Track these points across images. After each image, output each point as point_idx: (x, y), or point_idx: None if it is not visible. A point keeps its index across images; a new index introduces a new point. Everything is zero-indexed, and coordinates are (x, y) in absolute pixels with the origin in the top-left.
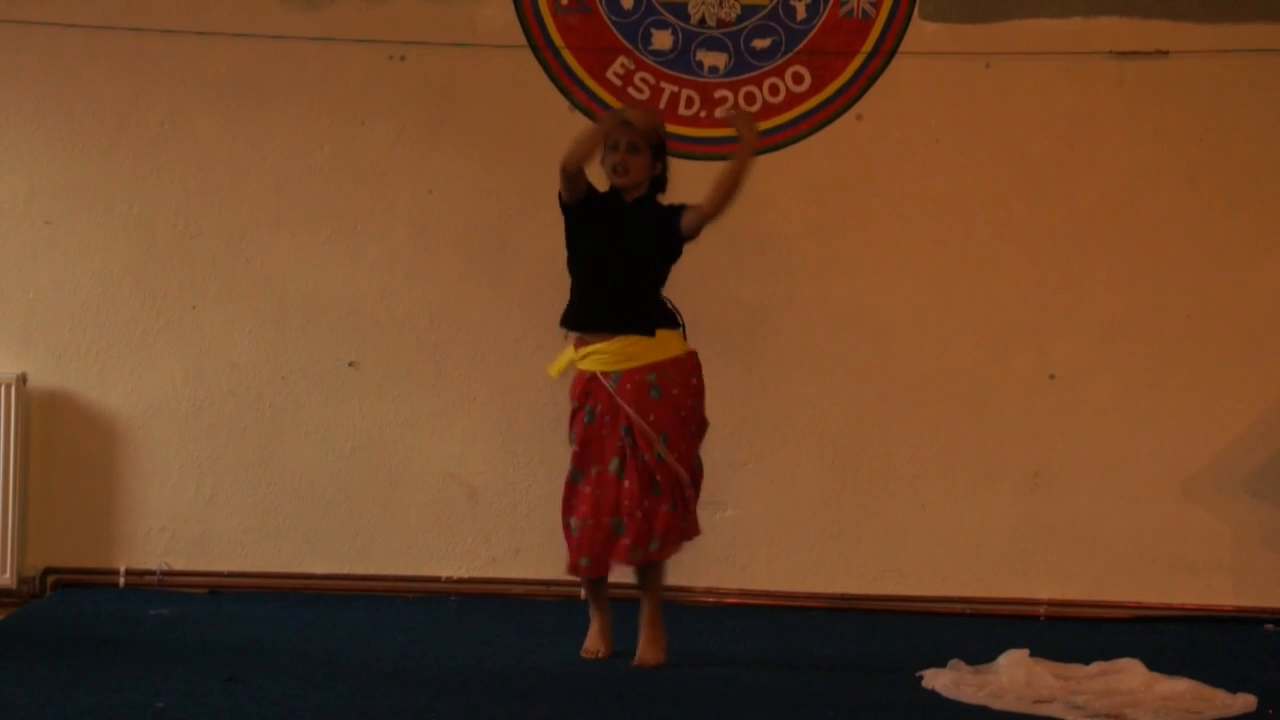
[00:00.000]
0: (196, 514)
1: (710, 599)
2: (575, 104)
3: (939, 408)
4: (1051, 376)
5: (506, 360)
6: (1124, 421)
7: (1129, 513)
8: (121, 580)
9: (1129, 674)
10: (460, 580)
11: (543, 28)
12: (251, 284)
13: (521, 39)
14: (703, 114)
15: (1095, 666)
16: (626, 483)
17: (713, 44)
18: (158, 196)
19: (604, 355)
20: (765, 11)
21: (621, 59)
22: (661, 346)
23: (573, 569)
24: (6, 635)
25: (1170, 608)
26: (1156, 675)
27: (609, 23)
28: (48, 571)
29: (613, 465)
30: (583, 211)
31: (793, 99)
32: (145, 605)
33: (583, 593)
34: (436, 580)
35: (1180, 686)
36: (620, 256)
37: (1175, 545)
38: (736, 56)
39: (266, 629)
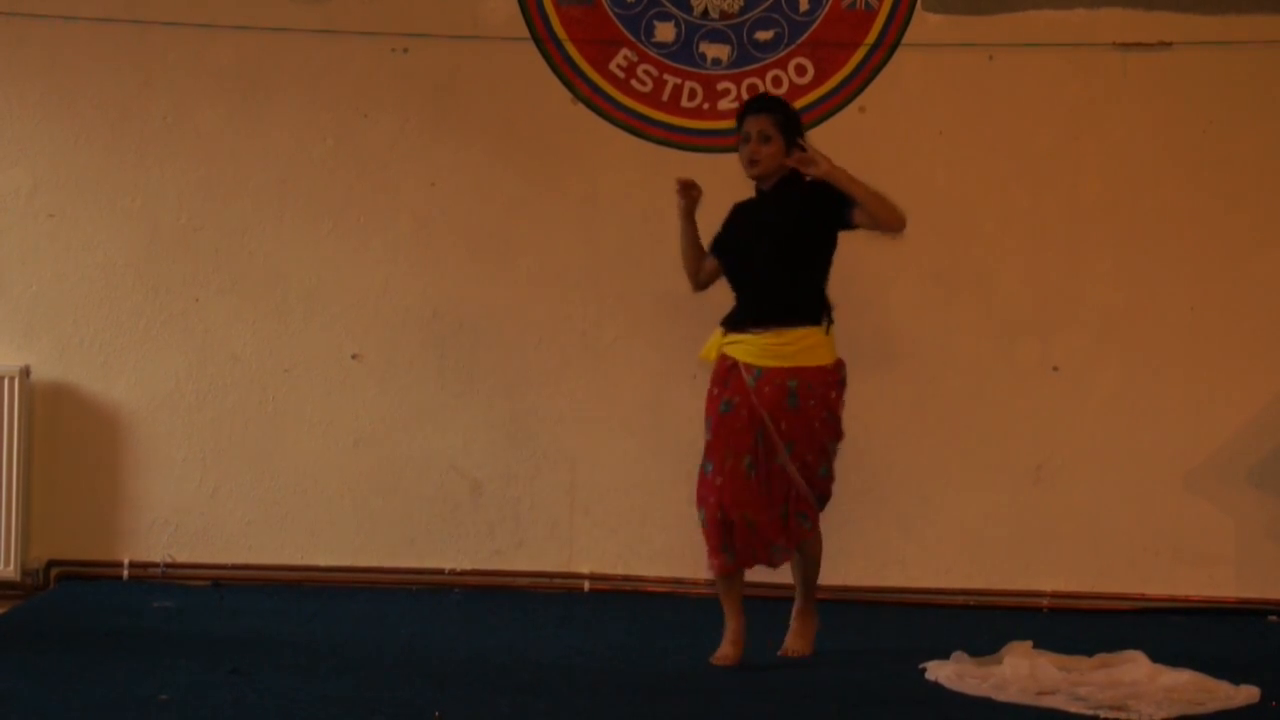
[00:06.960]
0: (200, 506)
1: (713, 591)
2: (578, 96)
3: (942, 400)
4: (1055, 369)
5: (510, 352)
6: (1127, 413)
7: (1132, 504)
8: (125, 573)
9: (1132, 666)
10: (464, 573)
11: (545, 20)
12: (255, 277)
13: (524, 31)
14: (705, 106)
15: (1098, 658)
16: (755, 482)
17: (715, 36)
18: (161, 189)
19: (750, 347)
20: (768, 3)
21: (624, 51)
22: (809, 351)
23: (710, 567)
24: (10, 628)
25: (1174, 599)
26: (1160, 667)
27: (611, 15)
28: (51, 564)
29: (745, 462)
30: (728, 242)
31: (796, 91)
32: (149, 598)
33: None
34: (440, 573)
35: (1183, 678)
36: (765, 248)
37: (1178, 537)
38: (739, 48)
39: (270, 621)
